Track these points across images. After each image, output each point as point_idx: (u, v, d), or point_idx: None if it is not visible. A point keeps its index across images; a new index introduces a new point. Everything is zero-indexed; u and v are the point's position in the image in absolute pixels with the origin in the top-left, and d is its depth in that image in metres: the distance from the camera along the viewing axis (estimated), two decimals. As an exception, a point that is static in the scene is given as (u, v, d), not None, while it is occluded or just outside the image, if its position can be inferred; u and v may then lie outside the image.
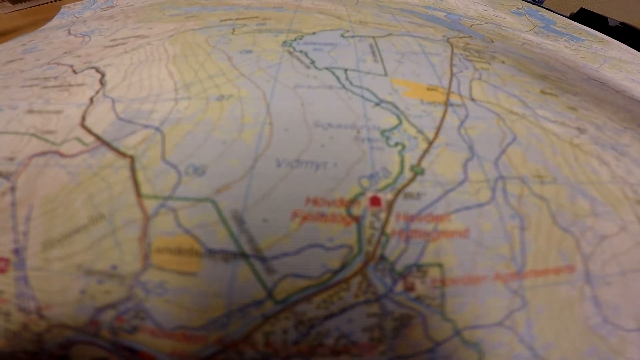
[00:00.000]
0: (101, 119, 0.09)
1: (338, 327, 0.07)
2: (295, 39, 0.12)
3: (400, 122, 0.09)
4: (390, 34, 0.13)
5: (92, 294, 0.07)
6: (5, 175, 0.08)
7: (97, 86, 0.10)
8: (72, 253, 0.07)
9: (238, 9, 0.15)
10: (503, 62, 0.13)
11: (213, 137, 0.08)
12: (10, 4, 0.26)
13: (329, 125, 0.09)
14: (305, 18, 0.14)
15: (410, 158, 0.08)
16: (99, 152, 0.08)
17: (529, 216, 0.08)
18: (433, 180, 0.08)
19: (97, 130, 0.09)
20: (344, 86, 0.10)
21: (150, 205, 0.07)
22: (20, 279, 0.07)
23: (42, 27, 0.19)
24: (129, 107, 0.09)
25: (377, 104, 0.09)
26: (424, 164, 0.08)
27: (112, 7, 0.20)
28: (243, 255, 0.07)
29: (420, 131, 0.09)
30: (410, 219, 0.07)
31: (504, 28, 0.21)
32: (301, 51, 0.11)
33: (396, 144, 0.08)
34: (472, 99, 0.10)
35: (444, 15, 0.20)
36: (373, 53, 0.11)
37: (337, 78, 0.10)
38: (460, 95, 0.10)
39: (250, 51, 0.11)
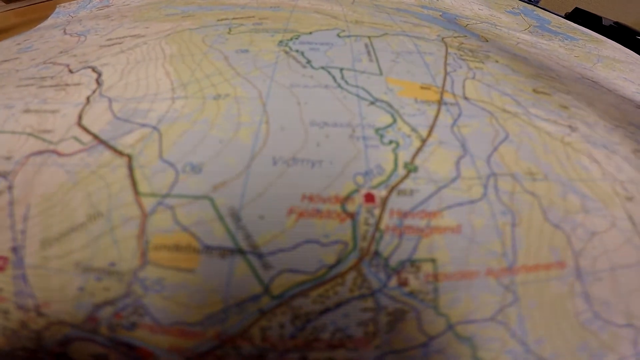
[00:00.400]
0: (98, 118, 0.09)
1: (334, 321, 0.07)
2: (291, 39, 0.12)
3: (395, 121, 0.09)
4: (385, 34, 0.13)
5: (91, 291, 0.07)
6: (3, 174, 0.08)
7: (94, 86, 0.10)
8: (70, 251, 0.07)
9: (235, 8, 0.15)
10: (497, 61, 0.13)
11: (210, 135, 0.08)
12: (3, 3, 0.26)
13: (324, 124, 0.09)
14: (302, 18, 0.14)
15: (404, 156, 0.08)
16: (96, 151, 0.08)
17: (521, 212, 0.08)
18: (426, 178, 0.08)
19: (94, 129, 0.09)
20: (339, 85, 0.10)
21: (148, 203, 0.07)
22: (18, 277, 0.07)
23: (37, 27, 0.19)
24: (126, 106, 0.09)
25: (372, 103, 0.09)
26: (418, 161, 0.08)
27: (107, 6, 0.20)
28: (240, 252, 0.07)
29: (414, 129, 0.09)
30: (404, 215, 0.08)
31: (499, 27, 0.21)
32: (297, 51, 0.11)
33: (390, 142, 0.09)
34: (466, 98, 0.10)
35: (440, 15, 0.20)
36: (368, 52, 0.11)
37: (333, 77, 0.10)
38: (454, 94, 0.10)
39: (247, 51, 0.11)
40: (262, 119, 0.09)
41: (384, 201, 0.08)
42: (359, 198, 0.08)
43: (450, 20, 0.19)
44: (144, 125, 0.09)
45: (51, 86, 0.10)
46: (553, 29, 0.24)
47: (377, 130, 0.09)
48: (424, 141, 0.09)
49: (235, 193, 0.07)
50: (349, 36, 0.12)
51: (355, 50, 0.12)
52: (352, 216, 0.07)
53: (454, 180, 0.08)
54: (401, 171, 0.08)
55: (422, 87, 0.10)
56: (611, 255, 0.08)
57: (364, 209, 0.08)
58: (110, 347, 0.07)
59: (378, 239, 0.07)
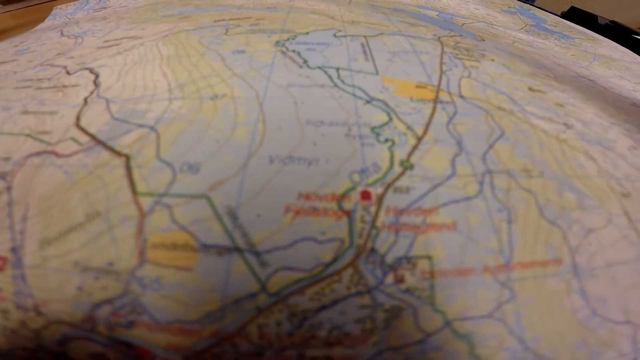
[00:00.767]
0: (96, 119, 0.09)
1: (330, 318, 0.07)
2: (288, 39, 0.12)
3: (391, 119, 0.09)
4: (381, 33, 0.13)
5: (89, 290, 0.07)
6: (1, 175, 0.08)
7: (91, 87, 0.10)
8: (68, 250, 0.07)
9: (231, 9, 0.16)
10: (492, 60, 0.13)
11: (207, 135, 0.08)
12: (0, 5, 0.26)
13: (321, 123, 0.09)
14: (299, 18, 0.14)
15: (400, 154, 0.08)
16: (94, 152, 0.08)
17: (516, 209, 0.08)
18: (422, 175, 0.08)
19: (92, 130, 0.09)
20: (335, 85, 0.10)
21: (146, 202, 0.07)
22: (17, 277, 0.07)
23: (34, 29, 0.19)
24: (124, 107, 0.09)
25: (368, 102, 0.10)
26: (413, 159, 0.08)
27: (105, 8, 0.20)
28: (237, 250, 0.07)
29: (409, 128, 0.09)
30: (400, 212, 0.08)
31: (495, 27, 0.21)
32: (294, 51, 0.11)
33: (386, 140, 0.09)
34: (461, 96, 0.10)
35: (436, 15, 0.20)
36: (364, 52, 0.12)
37: (329, 77, 0.10)
38: (450, 93, 0.10)
39: (244, 51, 0.11)
40: (258, 118, 0.09)
41: (380, 199, 0.08)
42: (355, 196, 0.08)
43: (447, 20, 0.19)
44: (141, 125, 0.09)
45: (49, 88, 0.10)
46: (549, 27, 0.24)
47: (373, 128, 0.09)
48: (419, 139, 0.09)
49: (232, 192, 0.08)
50: (345, 36, 0.12)
51: (351, 50, 0.12)
52: (349, 214, 0.07)
53: (449, 177, 0.08)
54: (397, 169, 0.08)
55: (417, 86, 0.10)
56: (607, 251, 0.08)
57: (360, 206, 0.08)
58: (108, 346, 0.07)
59: (374, 236, 0.07)
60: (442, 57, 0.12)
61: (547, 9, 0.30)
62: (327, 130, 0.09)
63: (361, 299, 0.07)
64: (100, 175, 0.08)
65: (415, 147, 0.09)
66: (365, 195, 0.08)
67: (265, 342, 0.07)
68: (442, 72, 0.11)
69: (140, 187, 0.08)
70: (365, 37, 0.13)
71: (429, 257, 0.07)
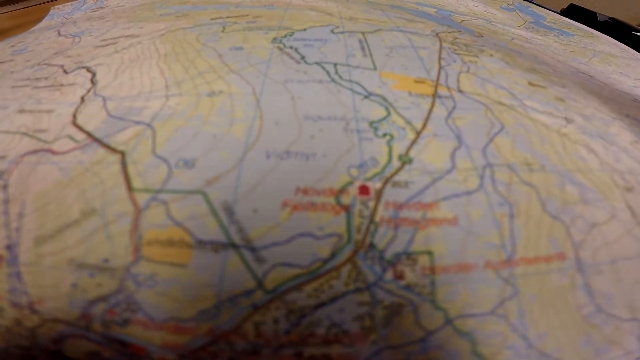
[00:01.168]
0: (92, 117, 0.09)
1: (329, 316, 0.07)
2: (285, 36, 0.12)
3: (389, 114, 0.09)
4: (379, 29, 0.13)
5: (84, 287, 0.07)
6: (-3, 173, 0.08)
7: (88, 85, 0.10)
8: (64, 247, 0.07)
9: (229, 7, 0.16)
10: (491, 55, 0.13)
11: (203, 131, 0.08)
12: (-3, 6, 0.26)
13: (318, 118, 0.09)
14: (296, 15, 0.14)
15: (399, 148, 0.08)
16: (90, 149, 0.08)
17: (518, 204, 0.08)
18: (421, 169, 0.08)
19: (89, 127, 0.09)
20: (333, 80, 0.10)
21: (141, 198, 0.07)
22: (12, 274, 0.07)
23: (31, 29, 0.19)
24: (120, 105, 0.09)
25: (366, 97, 0.09)
26: (412, 153, 0.08)
27: (102, 7, 0.20)
28: (233, 246, 0.07)
29: (408, 122, 0.09)
30: (399, 207, 0.07)
31: (494, 23, 0.21)
32: (291, 47, 0.11)
33: (385, 135, 0.08)
34: (460, 91, 0.10)
35: (435, 11, 0.20)
36: (362, 48, 0.12)
37: (327, 72, 0.10)
38: (448, 88, 0.10)
39: (241, 48, 0.11)
40: (255, 114, 0.09)
41: (379, 193, 0.08)
42: (353, 190, 0.08)
43: (445, 17, 0.19)
44: (137, 122, 0.09)
45: (46, 87, 0.10)
46: (548, 24, 0.24)
47: (371, 123, 0.09)
48: (418, 133, 0.09)
49: (228, 187, 0.07)
50: (343, 32, 0.12)
51: (349, 45, 0.12)
52: (347, 208, 0.07)
53: (449, 171, 0.08)
54: (396, 163, 0.08)
55: (416, 81, 0.10)
56: (612, 246, 0.08)
57: (358, 201, 0.07)
58: (103, 344, 0.07)
59: (373, 232, 0.07)
60: (440, 52, 0.12)
61: (546, 6, 0.30)
62: (324, 124, 0.09)
63: (360, 295, 0.07)
64: (96, 171, 0.08)
65: (414, 141, 0.08)
66: (364, 190, 0.08)
67: (261, 340, 0.07)
68: (440, 67, 0.11)
69: (136, 183, 0.08)
70: (363, 33, 0.13)
71: (429, 253, 0.07)
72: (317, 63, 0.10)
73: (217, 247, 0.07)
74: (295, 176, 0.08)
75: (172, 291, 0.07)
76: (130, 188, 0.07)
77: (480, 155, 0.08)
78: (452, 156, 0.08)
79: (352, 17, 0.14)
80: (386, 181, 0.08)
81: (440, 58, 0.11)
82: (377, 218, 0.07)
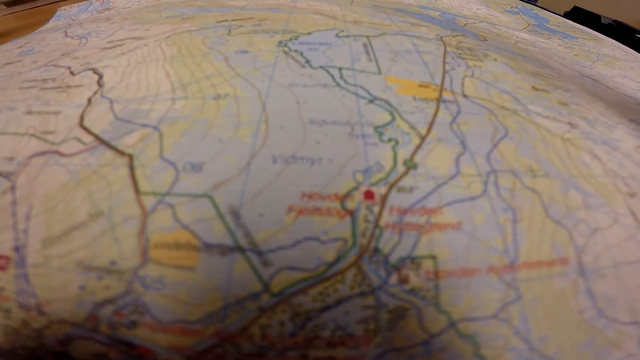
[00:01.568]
0: (100, 119, 0.09)
1: (334, 319, 0.07)
2: (290, 39, 0.12)
3: (394, 119, 0.09)
4: (384, 33, 0.13)
5: (92, 289, 0.07)
6: (5, 175, 0.08)
7: (95, 87, 0.10)
8: (71, 250, 0.07)
9: (234, 10, 0.16)
10: (495, 59, 0.13)
11: (210, 135, 0.08)
12: (5, 7, 0.26)
13: (323, 122, 0.09)
14: (301, 19, 0.14)
15: (404, 153, 0.08)
16: (98, 151, 0.08)
17: (522, 209, 0.08)
18: (425, 174, 0.08)
19: (96, 130, 0.09)
20: (338, 84, 0.10)
21: (149, 201, 0.07)
22: (20, 276, 0.07)
23: (38, 30, 0.19)
24: (127, 107, 0.09)
25: (371, 101, 0.09)
26: (417, 158, 0.08)
27: (108, 9, 0.20)
28: (239, 249, 0.07)
29: (413, 127, 0.09)
30: (404, 212, 0.08)
31: (497, 27, 0.21)
32: (296, 51, 0.11)
33: (389, 140, 0.09)
34: (464, 96, 0.10)
35: (439, 15, 0.20)
36: (367, 52, 0.12)
37: (332, 77, 0.10)
38: (453, 92, 0.10)
39: (246, 51, 0.11)
40: (261, 118, 0.09)
41: (384, 198, 0.08)
42: (358, 195, 0.08)
43: (449, 20, 0.19)
44: (144, 125, 0.09)
45: (53, 88, 0.11)
46: (552, 27, 0.24)
47: (376, 128, 0.09)
48: (423, 138, 0.09)
49: (235, 191, 0.07)
50: (347, 36, 0.12)
51: (354, 49, 0.12)
52: (352, 213, 0.07)
53: (453, 177, 0.08)
54: (400, 168, 0.08)
55: (420, 86, 0.10)
56: (614, 251, 0.08)
57: (363, 206, 0.08)
58: (110, 345, 0.07)
59: (378, 236, 0.07)
60: (444, 57, 0.12)
61: (550, 9, 0.30)
62: (330, 129, 0.09)
63: (365, 299, 0.07)
64: (103, 174, 0.08)
65: (418, 147, 0.09)
66: (369, 195, 0.08)
67: (267, 343, 0.07)
68: (444, 72, 0.11)
69: (143, 186, 0.08)
70: (367, 37, 0.13)
71: (433, 257, 0.07)
72: (322, 67, 0.11)
73: (223, 250, 0.07)
74: (301, 181, 0.08)
75: (179, 294, 0.07)
76: (137, 191, 0.08)
77: (485, 161, 0.09)
78: (457, 162, 0.08)
79: (356, 20, 0.14)
80: (391, 186, 0.08)
81: (444, 62, 0.12)
82: (382, 223, 0.07)
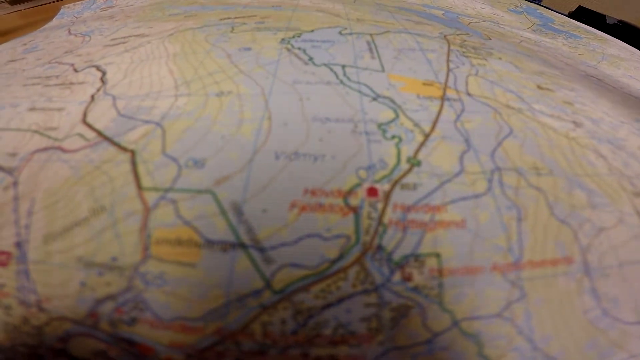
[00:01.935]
0: (102, 116, 0.09)
1: (336, 316, 0.07)
2: (293, 37, 0.12)
3: (397, 116, 0.09)
4: (387, 31, 0.13)
5: (92, 286, 0.07)
6: (8, 170, 0.08)
7: (98, 84, 0.10)
8: (73, 246, 0.07)
9: (237, 7, 0.16)
10: (500, 58, 0.13)
11: (212, 131, 0.08)
12: (8, 5, 0.26)
13: (327, 119, 0.09)
14: (304, 16, 0.14)
15: (407, 150, 0.08)
16: (100, 147, 0.08)
17: (526, 207, 0.08)
18: (429, 172, 0.08)
19: (99, 126, 0.09)
20: (341, 82, 0.10)
21: (151, 197, 0.07)
22: (21, 272, 0.07)
23: (42, 27, 0.19)
24: (130, 104, 0.09)
25: (374, 99, 0.09)
26: (421, 156, 0.08)
27: (111, 7, 0.20)
28: (242, 246, 0.07)
29: (416, 125, 0.09)
30: (407, 209, 0.07)
31: (501, 26, 0.21)
32: (299, 48, 0.11)
33: (393, 137, 0.08)
34: (469, 94, 0.10)
35: (442, 14, 0.20)
36: (370, 50, 0.11)
37: (335, 74, 0.10)
38: (457, 90, 0.10)
39: (249, 49, 0.11)
40: (264, 115, 0.09)
41: (387, 195, 0.08)
42: (361, 192, 0.08)
43: (453, 19, 0.19)
44: (147, 122, 0.09)
45: (56, 85, 0.11)
46: (556, 27, 0.24)
47: (379, 125, 0.09)
48: (427, 136, 0.09)
49: (237, 187, 0.07)
50: (351, 34, 0.12)
51: (357, 47, 0.12)
52: (355, 210, 0.07)
53: (457, 174, 0.08)
54: (404, 165, 0.08)
55: (424, 84, 0.10)
56: (619, 251, 0.08)
57: (366, 202, 0.07)
58: (110, 343, 0.07)
59: (381, 233, 0.07)
60: (448, 55, 0.12)
61: (554, 9, 0.30)
62: (333, 126, 0.09)
63: (367, 297, 0.07)
64: (106, 170, 0.08)
65: (422, 144, 0.08)
66: (372, 192, 0.08)
67: (269, 341, 0.07)
68: (449, 70, 0.11)
69: (146, 182, 0.08)
70: (371, 34, 0.13)
71: (437, 255, 0.07)
72: (325, 64, 0.10)
73: (225, 246, 0.07)
74: (304, 177, 0.08)
75: (180, 290, 0.07)
76: (139, 187, 0.07)
77: (489, 159, 0.08)
78: (461, 159, 0.08)
79: (359, 18, 0.14)
80: (395, 183, 0.08)
81: (448, 60, 0.11)
82: (386, 220, 0.07)
